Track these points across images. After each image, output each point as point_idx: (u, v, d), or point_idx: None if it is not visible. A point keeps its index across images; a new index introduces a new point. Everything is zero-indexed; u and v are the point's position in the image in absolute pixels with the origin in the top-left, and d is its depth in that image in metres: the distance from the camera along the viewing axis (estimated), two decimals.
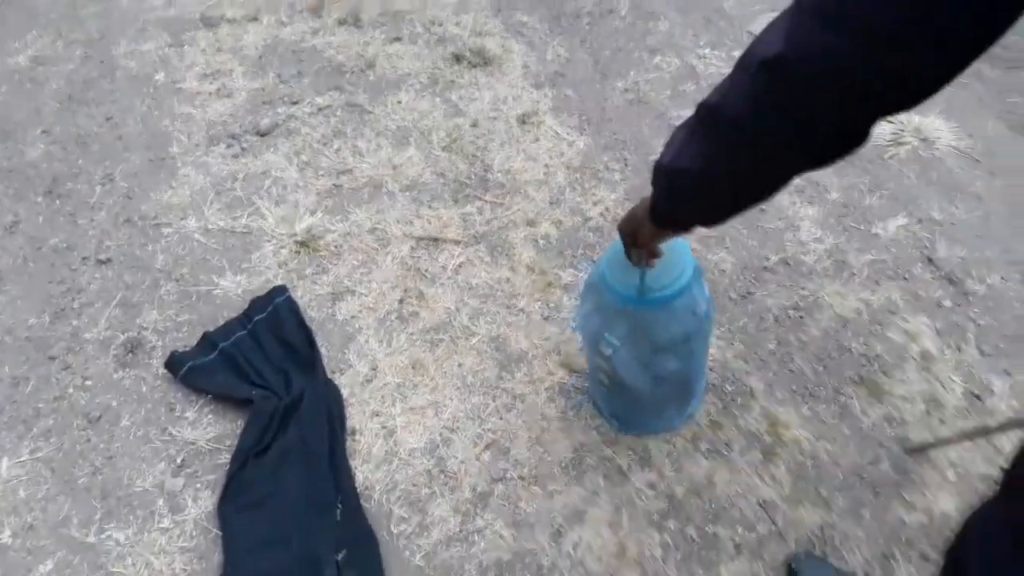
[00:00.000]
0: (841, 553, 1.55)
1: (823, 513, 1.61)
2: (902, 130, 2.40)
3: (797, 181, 2.22)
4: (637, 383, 1.52)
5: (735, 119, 0.80)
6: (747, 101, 0.78)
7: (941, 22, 0.62)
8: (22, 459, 1.72)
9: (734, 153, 0.84)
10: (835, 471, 1.67)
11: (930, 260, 2.06)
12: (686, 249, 1.41)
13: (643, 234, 1.17)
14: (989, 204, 2.21)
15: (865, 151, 2.37)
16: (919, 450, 1.67)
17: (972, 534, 1.00)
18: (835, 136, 0.77)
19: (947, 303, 1.96)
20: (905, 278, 2.02)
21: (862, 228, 2.14)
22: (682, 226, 1.08)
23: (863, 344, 1.88)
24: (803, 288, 2.01)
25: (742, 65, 0.79)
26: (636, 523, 1.60)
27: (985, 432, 1.60)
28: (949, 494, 1.62)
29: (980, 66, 2.72)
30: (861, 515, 1.60)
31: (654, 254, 1.27)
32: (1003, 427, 1.59)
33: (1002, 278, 2.01)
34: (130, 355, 1.90)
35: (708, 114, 0.85)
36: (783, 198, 2.22)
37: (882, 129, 2.42)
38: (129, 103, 2.59)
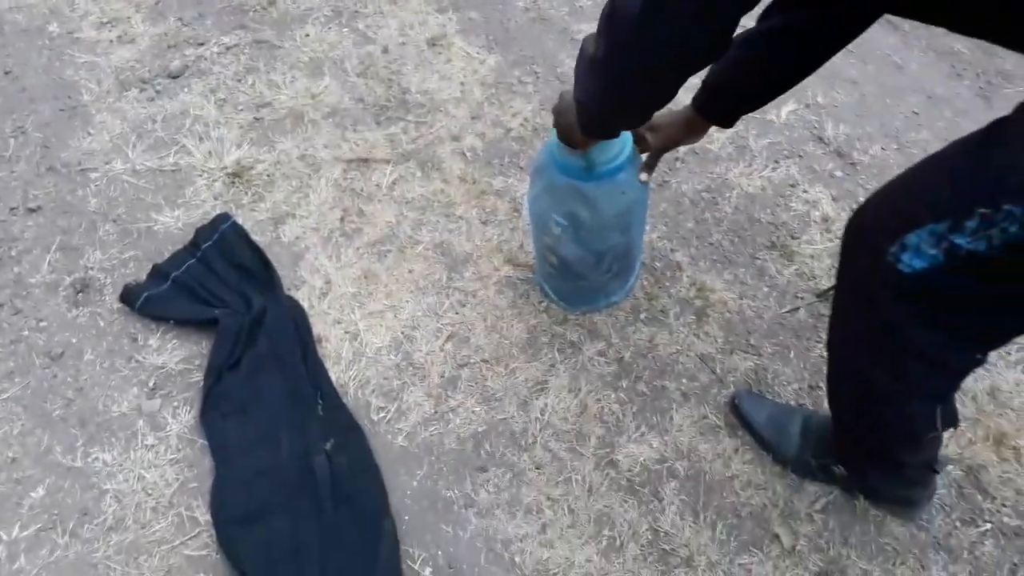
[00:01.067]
0: (774, 389, 1.77)
1: (755, 359, 1.81)
2: None
3: (695, 80, 2.42)
4: (585, 259, 1.68)
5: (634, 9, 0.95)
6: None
7: None
8: None
9: (634, 44, 0.99)
10: (760, 323, 1.88)
11: (820, 139, 2.29)
12: None
13: (576, 139, 1.39)
14: (864, 87, 2.46)
15: None
16: (827, 292, 1.90)
17: None
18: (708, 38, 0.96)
19: (839, 173, 2.20)
20: (800, 156, 2.24)
21: (757, 116, 2.35)
22: (597, 128, 1.27)
23: (770, 215, 2.10)
24: (712, 173, 2.20)
25: None
26: (592, 386, 1.76)
27: None
28: None
29: None
30: (787, 356, 1.82)
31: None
32: None
33: (882, 148, 2.26)
34: (80, 294, 1.91)
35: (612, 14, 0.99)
36: (684, 96, 2.39)
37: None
38: (25, 56, 2.52)
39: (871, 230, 1.10)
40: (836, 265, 1.92)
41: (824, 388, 1.75)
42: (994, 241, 0.92)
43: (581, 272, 1.73)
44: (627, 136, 1.54)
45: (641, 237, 1.81)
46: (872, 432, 1.35)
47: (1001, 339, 1.13)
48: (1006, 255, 0.92)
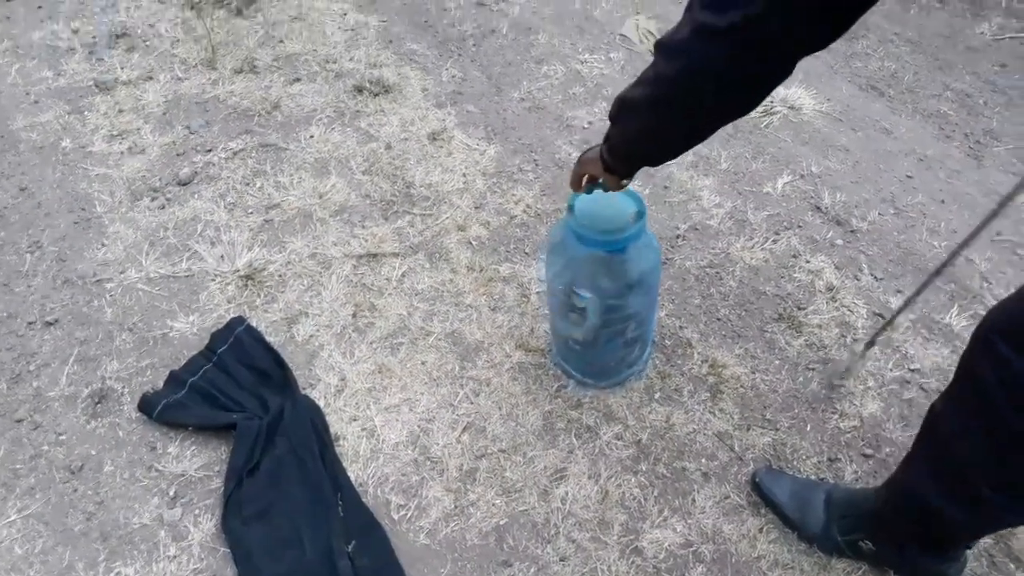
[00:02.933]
0: (793, 464, 1.76)
1: (772, 433, 1.82)
2: (771, 102, 2.70)
3: (690, 157, 2.48)
4: (610, 330, 1.70)
5: (677, 48, 0.99)
6: (686, 34, 0.97)
7: None
8: (11, 519, 1.72)
9: (673, 79, 1.03)
10: (774, 397, 1.89)
11: (817, 208, 2.33)
12: (632, 193, 1.60)
13: (591, 170, 1.40)
14: (856, 154, 2.51)
15: (743, 123, 2.65)
16: (839, 381, 1.90)
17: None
18: (754, 64, 0.97)
19: (839, 241, 2.23)
20: (799, 226, 2.28)
21: (754, 190, 2.40)
22: (628, 158, 1.28)
23: (775, 287, 2.12)
24: (713, 248, 2.24)
25: (688, 6, 0.98)
26: (612, 470, 1.76)
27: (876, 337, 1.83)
28: (872, 399, 1.87)
29: None
30: (804, 429, 1.82)
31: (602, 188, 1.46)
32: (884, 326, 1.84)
33: (879, 213, 2.30)
34: (99, 405, 1.93)
35: (659, 48, 1.03)
36: (681, 174, 2.46)
37: None
38: (40, 172, 2.60)
39: (999, 345, 1.08)
40: (843, 335, 1.95)
41: (842, 459, 1.75)
42: None
43: (605, 345, 1.76)
44: (639, 200, 1.59)
45: (656, 302, 1.83)
46: (947, 527, 1.32)
47: None
48: None
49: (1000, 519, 1.25)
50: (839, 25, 0.90)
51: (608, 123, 1.27)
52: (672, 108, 1.09)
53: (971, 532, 1.34)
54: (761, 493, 1.67)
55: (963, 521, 1.26)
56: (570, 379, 1.93)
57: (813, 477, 1.73)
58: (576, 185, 1.48)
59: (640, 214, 1.57)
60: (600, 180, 1.43)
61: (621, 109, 1.19)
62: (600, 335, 1.70)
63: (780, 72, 0.99)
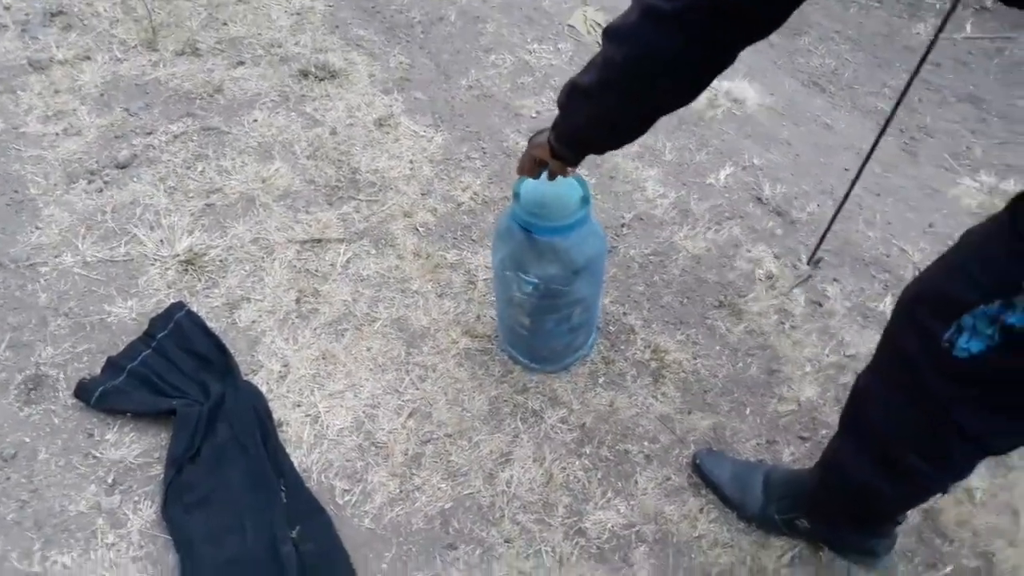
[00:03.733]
0: (733, 446, 1.80)
1: (712, 417, 1.85)
2: (716, 95, 2.74)
3: (635, 148, 2.51)
4: (557, 315, 1.72)
5: (625, 34, 1.01)
6: (635, 20, 0.99)
7: None
8: None
9: (621, 65, 1.04)
10: (714, 381, 1.93)
11: (759, 199, 2.38)
12: (577, 178, 1.62)
13: (540, 155, 1.39)
14: (797, 147, 2.57)
15: (688, 115, 2.69)
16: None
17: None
18: (700, 50, 0.99)
19: (779, 231, 2.28)
20: (741, 216, 2.32)
21: (697, 181, 2.44)
22: (576, 144, 1.28)
23: (717, 275, 2.16)
24: (657, 237, 2.27)
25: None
26: (556, 454, 1.78)
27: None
28: (809, 384, 1.92)
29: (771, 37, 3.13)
30: (743, 413, 1.87)
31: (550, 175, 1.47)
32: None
33: (818, 205, 2.36)
34: (33, 391, 1.88)
35: (607, 34, 1.04)
36: (627, 164, 2.48)
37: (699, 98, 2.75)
38: None
39: (921, 312, 1.11)
40: (782, 321, 1.99)
41: (780, 442, 1.80)
42: None
43: (552, 330, 1.77)
44: (584, 187, 1.60)
45: (601, 288, 1.85)
46: (875, 501, 1.36)
47: None
48: None
49: (928, 488, 1.29)
50: (784, 8, 0.92)
51: (557, 110, 1.28)
52: (620, 93, 1.10)
53: (899, 505, 1.38)
54: (702, 474, 1.71)
55: (891, 494, 1.30)
56: (517, 364, 1.94)
57: (752, 459, 1.77)
58: (526, 170, 1.48)
59: (585, 200, 1.59)
60: (550, 168, 1.43)
61: (570, 95, 1.20)
62: (546, 320, 1.71)
63: (726, 58, 1.01)
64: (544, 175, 1.48)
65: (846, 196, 1.74)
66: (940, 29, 1.41)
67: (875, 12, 3.30)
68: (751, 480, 1.66)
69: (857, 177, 1.50)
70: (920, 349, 1.10)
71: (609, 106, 1.14)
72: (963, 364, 1.04)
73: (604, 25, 1.16)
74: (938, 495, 1.37)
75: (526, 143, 1.48)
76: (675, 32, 0.96)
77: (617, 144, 1.26)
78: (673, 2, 0.94)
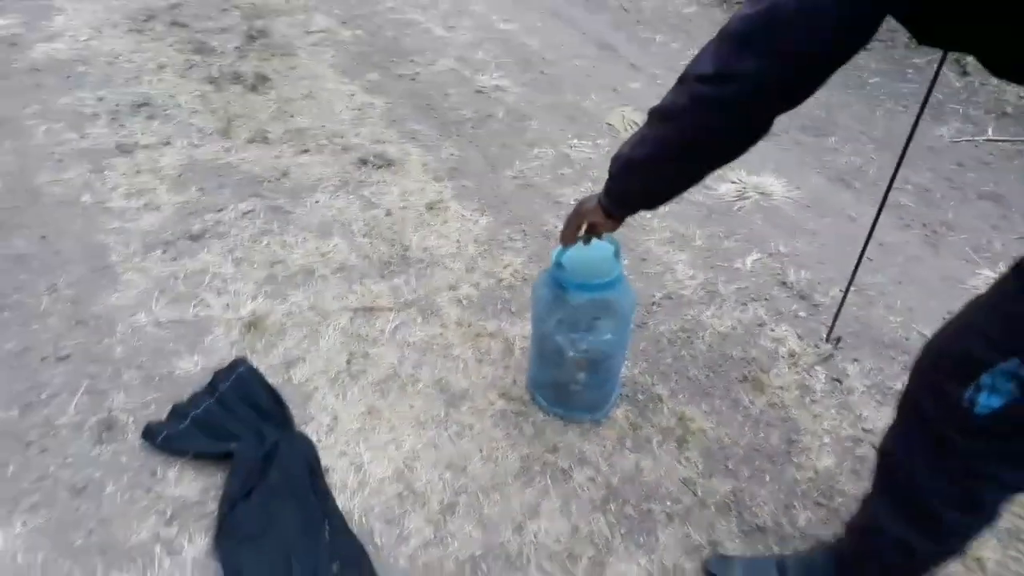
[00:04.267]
0: (751, 510, 1.89)
1: (733, 481, 1.95)
2: (745, 187, 2.92)
3: (667, 234, 2.68)
4: (609, 361, 1.88)
5: (678, 119, 1.17)
6: (688, 105, 1.15)
7: (819, 48, 1.02)
8: (16, 531, 1.82)
9: (673, 142, 1.21)
10: (736, 449, 2.03)
11: (784, 283, 2.52)
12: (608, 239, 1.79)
13: (591, 218, 1.53)
14: (822, 237, 2.72)
15: (719, 206, 2.86)
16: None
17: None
18: (746, 129, 1.16)
19: (802, 314, 2.41)
20: (766, 299, 2.46)
21: (725, 265, 2.59)
22: (628, 206, 1.44)
23: (742, 351, 2.29)
24: (686, 315, 2.41)
25: (681, 80, 1.16)
26: (583, 509, 1.89)
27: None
28: (827, 454, 2.01)
29: (797, 135, 3.33)
30: (763, 479, 1.96)
31: (596, 234, 1.63)
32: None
33: (840, 290, 2.48)
34: (105, 433, 2.05)
35: (656, 114, 1.22)
36: (658, 249, 2.65)
37: (728, 188, 2.94)
38: (61, 224, 2.78)
39: (937, 377, 1.21)
40: (803, 396, 2.10)
41: (798, 507, 1.88)
42: None
43: (602, 379, 1.96)
44: (615, 241, 1.78)
45: (630, 337, 2.01)
46: (919, 562, 1.41)
47: None
48: None
49: (965, 537, 1.36)
50: (820, 82, 1.08)
51: (608, 177, 1.44)
52: (675, 169, 1.27)
53: (937, 560, 1.44)
54: None
55: (929, 549, 1.37)
56: (562, 420, 2.08)
57: (770, 523, 1.85)
58: (571, 232, 1.63)
59: (618, 253, 1.76)
60: (597, 228, 1.59)
61: (625, 167, 1.35)
62: (599, 370, 1.87)
63: (767, 128, 1.16)
64: (579, 242, 1.66)
65: (854, 271, 1.89)
66: (928, 91, 1.55)
67: (900, 116, 3.49)
68: (766, 574, 1.72)
69: (863, 253, 1.65)
70: (942, 410, 1.19)
71: (665, 177, 1.31)
72: (986, 420, 1.13)
73: (640, 125, 1.34)
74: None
75: (568, 216, 1.65)
76: (724, 117, 1.12)
77: (668, 201, 1.41)
78: (721, 88, 1.08)
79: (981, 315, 1.18)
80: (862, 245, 1.95)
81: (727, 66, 1.07)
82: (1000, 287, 1.16)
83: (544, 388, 2.08)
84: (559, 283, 1.76)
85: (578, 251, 1.72)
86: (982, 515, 1.30)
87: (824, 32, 0.99)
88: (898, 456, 1.36)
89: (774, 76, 1.04)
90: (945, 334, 1.25)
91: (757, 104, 1.09)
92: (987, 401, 1.11)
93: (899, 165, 1.74)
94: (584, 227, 1.61)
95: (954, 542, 1.38)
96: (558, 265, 1.78)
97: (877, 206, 1.76)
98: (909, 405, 1.32)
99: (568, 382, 1.97)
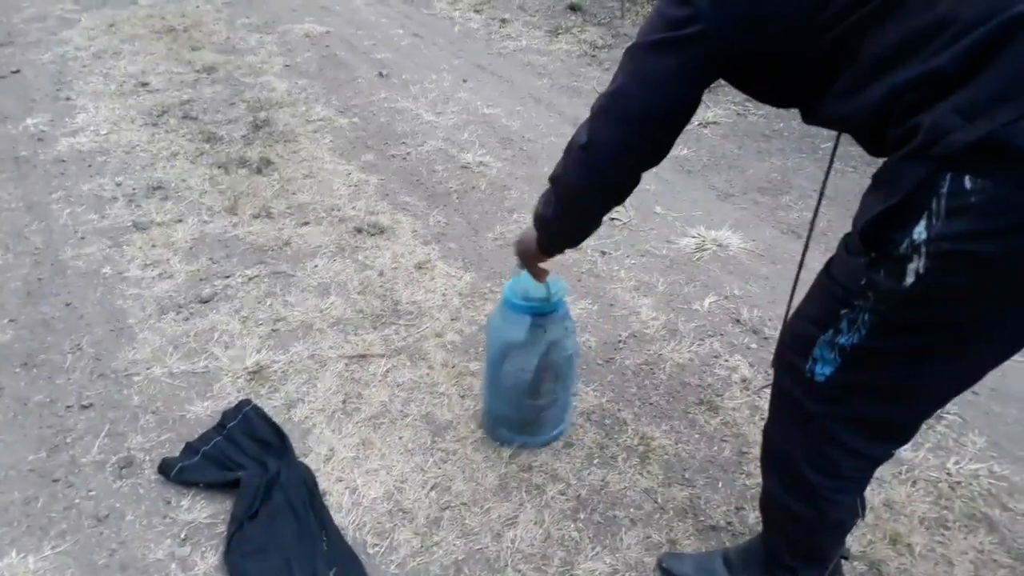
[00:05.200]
0: (706, 512, 2.10)
1: (690, 489, 2.17)
2: (703, 240, 3.21)
3: (633, 282, 2.95)
4: (556, 382, 2.15)
5: (569, 182, 1.54)
6: (573, 170, 1.51)
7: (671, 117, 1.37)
8: (45, 555, 2.03)
9: (568, 199, 1.58)
10: (693, 462, 2.25)
11: (737, 320, 2.78)
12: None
13: (534, 257, 1.90)
14: (773, 281, 2.99)
15: (680, 257, 3.14)
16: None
17: None
18: (623, 183, 1.49)
19: (753, 346, 2.66)
20: (721, 334, 2.72)
21: (685, 307, 2.86)
22: (557, 248, 1.77)
23: (699, 379, 2.53)
24: (649, 350, 2.66)
25: (566, 150, 1.54)
26: (555, 518, 2.10)
27: None
28: None
29: (755, 196, 3.63)
30: (716, 486, 2.18)
31: (543, 271, 1.97)
32: None
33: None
34: (125, 469, 2.28)
35: (552, 179, 1.56)
36: (625, 295, 2.92)
37: (688, 241, 3.23)
38: (84, 292, 3.06)
39: (787, 356, 1.47)
40: (753, 415, 2.33)
41: (747, 509, 2.09)
42: (862, 331, 1.28)
43: (551, 399, 2.19)
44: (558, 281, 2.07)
45: (576, 359, 2.26)
46: (807, 529, 1.62)
47: (905, 429, 1.44)
48: (872, 341, 1.28)
49: (836, 504, 1.56)
50: (668, 141, 1.46)
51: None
52: (571, 216, 1.66)
53: (821, 527, 1.65)
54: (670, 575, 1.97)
55: (811, 516, 1.59)
56: (515, 446, 2.29)
57: (723, 522, 2.07)
58: (540, 271, 1.99)
59: (557, 283, 2.06)
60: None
61: (541, 224, 1.74)
62: (551, 389, 2.11)
63: (634, 181, 1.55)
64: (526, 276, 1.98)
65: (790, 300, 2.13)
66: (831, 162, 1.83)
67: (849, 175, 3.80)
68: (713, 565, 1.88)
69: (795, 283, 1.88)
70: (794, 382, 1.44)
71: (569, 225, 1.70)
72: (826, 387, 1.37)
73: None
74: (857, 520, 1.65)
75: (524, 262, 1.98)
76: (597, 176, 1.50)
77: (585, 238, 1.75)
78: (591, 153, 1.47)
79: (806, 298, 1.45)
80: (806, 284, 2.20)
81: (594, 134, 1.44)
82: (817, 277, 1.43)
83: (506, 419, 2.30)
84: (518, 307, 2.03)
85: (525, 280, 2.03)
86: (847, 482, 1.51)
87: (659, 99, 1.36)
88: (771, 430, 1.60)
89: (626, 139, 1.41)
90: (791, 318, 1.51)
91: (619, 163, 1.46)
92: (822, 370, 1.36)
93: (819, 205, 2.01)
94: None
95: (830, 508, 1.54)
96: (506, 299, 2.07)
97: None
98: (775, 383, 1.55)
99: (529, 405, 2.20)
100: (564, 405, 2.27)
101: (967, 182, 1.07)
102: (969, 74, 1.06)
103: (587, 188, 1.54)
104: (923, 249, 1.14)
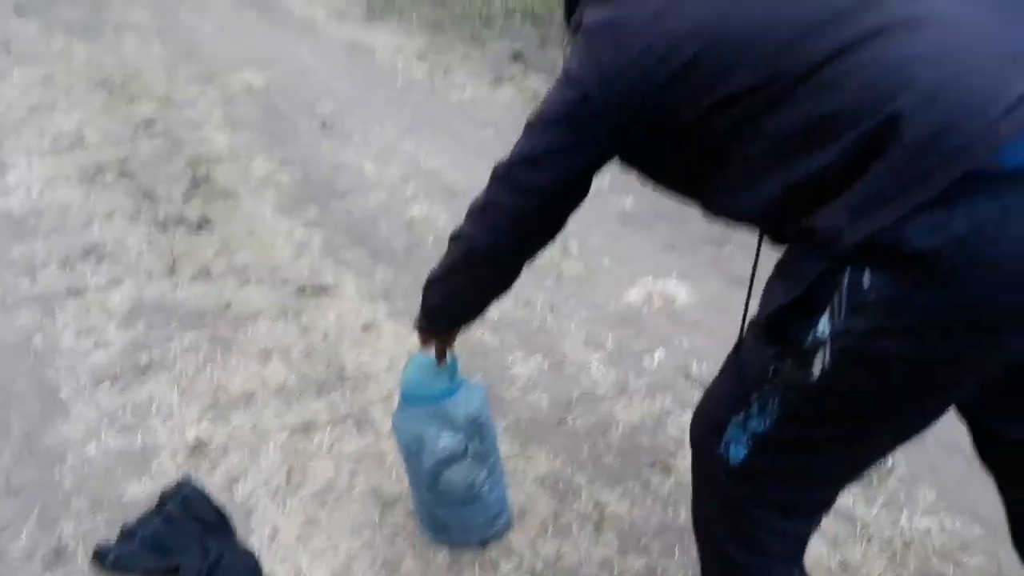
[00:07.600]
0: None
1: (647, 558, 2.13)
2: (651, 293, 3.22)
3: (583, 337, 2.93)
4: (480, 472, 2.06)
5: (470, 234, 1.56)
6: (473, 228, 1.54)
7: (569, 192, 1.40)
8: None
9: (460, 260, 1.64)
10: (648, 527, 2.22)
11: (687, 375, 2.77)
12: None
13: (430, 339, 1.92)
14: (719, 333, 2.99)
15: (629, 312, 3.14)
16: None
17: None
18: (520, 252, 1.53)
19: None
20: (672, 390, 2.70)
21: (635, 363, 2.84)
22: (440, 328, 1.85)
23: (651, 439, 2.51)
24: (600, 409, 2.64)
25: (468, 211, 1.54)
26: None
27: None
28: None
29: (699, 246, 3.66)
30: (673, 554, 2.14)
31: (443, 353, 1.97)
32: None
33: None
34: (55, 558, 2.17)
35: (451, 237, 1.60)
36: (577, 351, 2.90)
37: (638, 294, 3.24)
38: (12, 365, 2.93)
39: (702, 436, 1.46)
40: None
41: None
42: (772, 416, 1.27)
43: (475, 496, 2.07)
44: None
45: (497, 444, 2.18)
46: None
47: (822, 504, 1.43)
48: (780, 431, 1.28)
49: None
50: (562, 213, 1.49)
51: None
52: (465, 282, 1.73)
53: None
54: None
55: None
56: (450, 546, 2.18)
57: None
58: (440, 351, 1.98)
59: (453, 363, 2.02)
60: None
61: (425, 287, 1.84)
62: (473, 485, 2.03)
63: (532, 247, 1.60)
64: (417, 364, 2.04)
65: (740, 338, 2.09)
66: (757, 254, 1.77)
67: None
68: None
69: (742, 330, 1.87)
70: (711, 462, 1.42)
71: (464, 293, 1.78)
72: (740, 470, 1.35)
73: None
74: None
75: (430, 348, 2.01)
76: (492, 238, 1.52)
77: (480, 313, 1.84)
78: (488, 216, 1.49)
79: (718, 378, 1.45)
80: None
81: (491, 198, 1.46)
82: (728, 357, 1.42)
83: (446, 521, 2.15)
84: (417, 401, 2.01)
85: (415, 370, 2.06)
86: (775, 560, 1.48)
87: (552, 174, 1.37)
88: (697, 511, 1.59)
89: (523, 207, 1.42)
90: (703, 398, 1.50)
91: (515, 227, 1.48)
92: (736, 453, 1.34)
93: (756, 259, 2.01)
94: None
95: None
96: (404, 394, 2.06)
97: None
98: (693, 463, 1.53)
99: (442, 508, 2.10)
100: (501, 491, 2.18)
101: (866, 279, 1.06)
102: (856, 171, 1.05)
103: (485, 245, 1.55)
104: (827, 344, 1.13)
